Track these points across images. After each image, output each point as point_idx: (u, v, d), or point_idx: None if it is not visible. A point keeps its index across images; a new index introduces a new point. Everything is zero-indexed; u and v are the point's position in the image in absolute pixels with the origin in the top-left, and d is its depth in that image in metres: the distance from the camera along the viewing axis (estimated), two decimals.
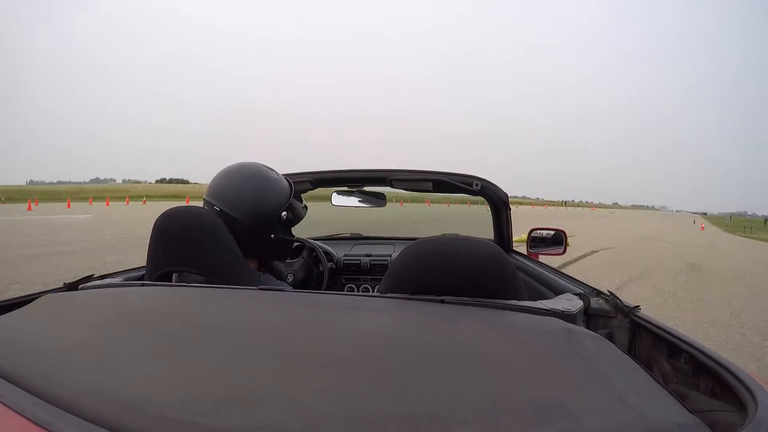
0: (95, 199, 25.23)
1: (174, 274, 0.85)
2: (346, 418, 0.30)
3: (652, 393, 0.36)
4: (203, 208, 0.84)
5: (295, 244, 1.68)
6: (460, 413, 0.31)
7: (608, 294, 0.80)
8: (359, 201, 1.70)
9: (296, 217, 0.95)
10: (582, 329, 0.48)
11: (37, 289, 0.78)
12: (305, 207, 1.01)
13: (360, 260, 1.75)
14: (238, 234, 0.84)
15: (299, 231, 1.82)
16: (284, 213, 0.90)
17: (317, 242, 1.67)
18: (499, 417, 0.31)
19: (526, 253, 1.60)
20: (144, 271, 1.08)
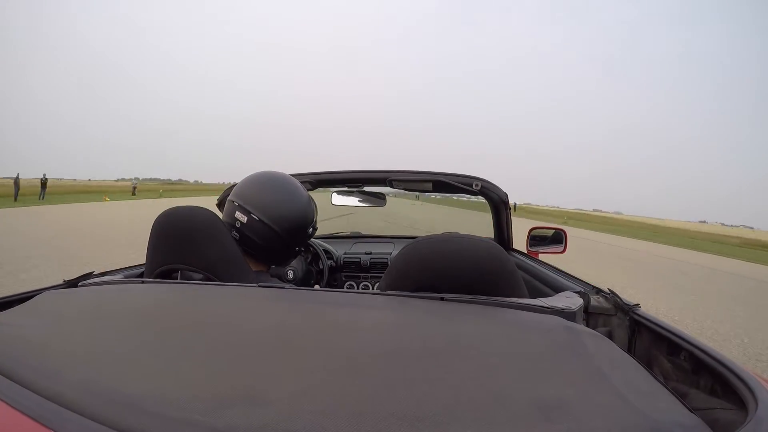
0: None
1: (175, 272, 0.85)
2: (347, 417, 0.30)
3: (652, 392, 0.36)
4: (202, 207, 0.84)
5: None
6: (461, 412, 0.31)
7: (608, 292, 0.80)
8: (359, 201, 1.70)
9: (315, 231, 1.01)
10: (582, 327, 0.48)
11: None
12: None
13: (360, 258, 1.76)
14: (268, 243, 0.88)
15: None
16: (311, 229, 0.96)
17: (317, 240, 1.67)
18: (500, 416, 0.31)
19: (526, 252, 1.60)
20: (143, 269, 1.08)
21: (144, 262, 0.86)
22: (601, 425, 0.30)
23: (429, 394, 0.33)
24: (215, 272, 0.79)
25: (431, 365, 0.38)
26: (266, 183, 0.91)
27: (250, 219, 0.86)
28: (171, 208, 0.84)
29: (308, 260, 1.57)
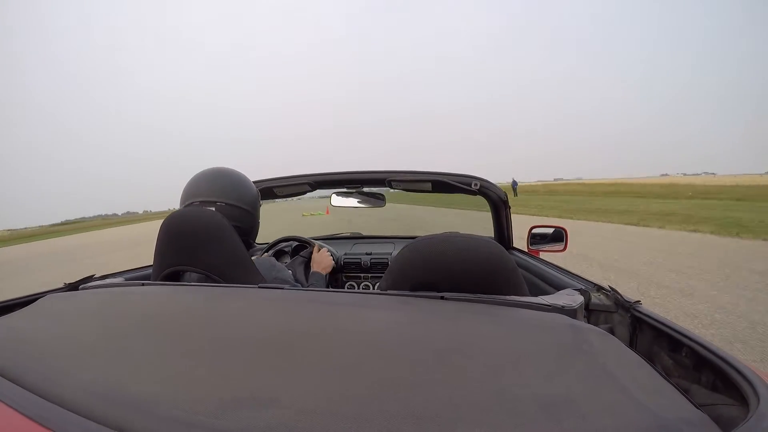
0: None
1: (181, 273, 0.86)
2: (352, 418, 0.30)
3: (658, 388, 0.36)
4: (209, 209, 0.86)
5: (296, 243, 1.69)
6: (466, 411, 0.31)
7: (609, 289, 0.80)
8: (358, 202, 1.70)
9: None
10: (587, 325, 0.48)
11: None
12: None
13: (360, 258, 1.76)
14: (242, 222, 0.95)
15: (303, 231, 1.82)
16: (259, 195, 1.08)
17: (318, 241, 1.68)
18: (505, 415, 0.30)
19: (526, 250, 1.60)
20: (144, 271, 1.08)
21: (144, 265, 0.87)
22: (608, 423, 0.30)
23: (433, 394, 0.33)
24: (221, 273, 0.80)
25: (434, 364, 0.38)
26: (214, 175, 0.98)
27: (218, 207, 0.91)
28: (177, 211, 0.85)
29: (308, 261, 1.58)
